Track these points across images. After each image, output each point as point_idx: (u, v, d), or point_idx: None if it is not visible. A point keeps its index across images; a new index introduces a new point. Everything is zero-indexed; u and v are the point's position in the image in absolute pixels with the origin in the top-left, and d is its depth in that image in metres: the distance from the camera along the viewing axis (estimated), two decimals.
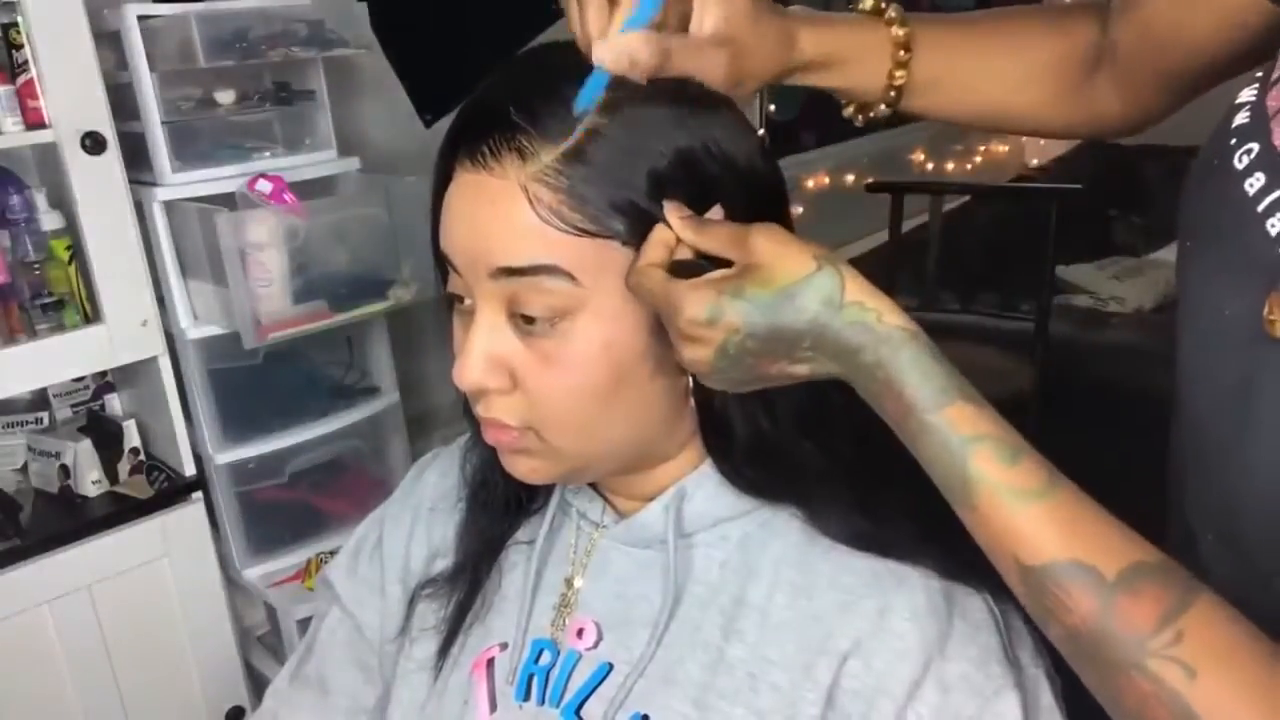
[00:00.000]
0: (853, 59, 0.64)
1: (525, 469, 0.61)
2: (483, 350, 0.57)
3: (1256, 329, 0.45)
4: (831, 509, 0.60)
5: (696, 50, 0.53)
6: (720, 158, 0.56)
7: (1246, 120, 0.49)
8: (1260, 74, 0.50)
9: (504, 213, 0.55)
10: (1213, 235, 0.51)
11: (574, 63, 0.53)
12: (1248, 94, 0.49)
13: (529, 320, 0.56)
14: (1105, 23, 0.67)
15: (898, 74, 0.64)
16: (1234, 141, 0.49)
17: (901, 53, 0.64)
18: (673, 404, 0.61)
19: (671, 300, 0.51)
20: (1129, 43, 0.65)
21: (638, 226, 0.55)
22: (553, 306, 0.55)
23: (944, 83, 0.67)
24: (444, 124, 0.61)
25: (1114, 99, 0.68)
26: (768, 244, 0.50)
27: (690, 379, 0.60)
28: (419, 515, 0.76)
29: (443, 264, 0.60)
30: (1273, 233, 0.44)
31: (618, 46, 0.49)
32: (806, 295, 0.48)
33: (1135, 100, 0.67)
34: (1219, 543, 0.52)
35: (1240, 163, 0.47)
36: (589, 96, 0.51)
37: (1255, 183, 0.46)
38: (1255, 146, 0.47)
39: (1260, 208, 0.45)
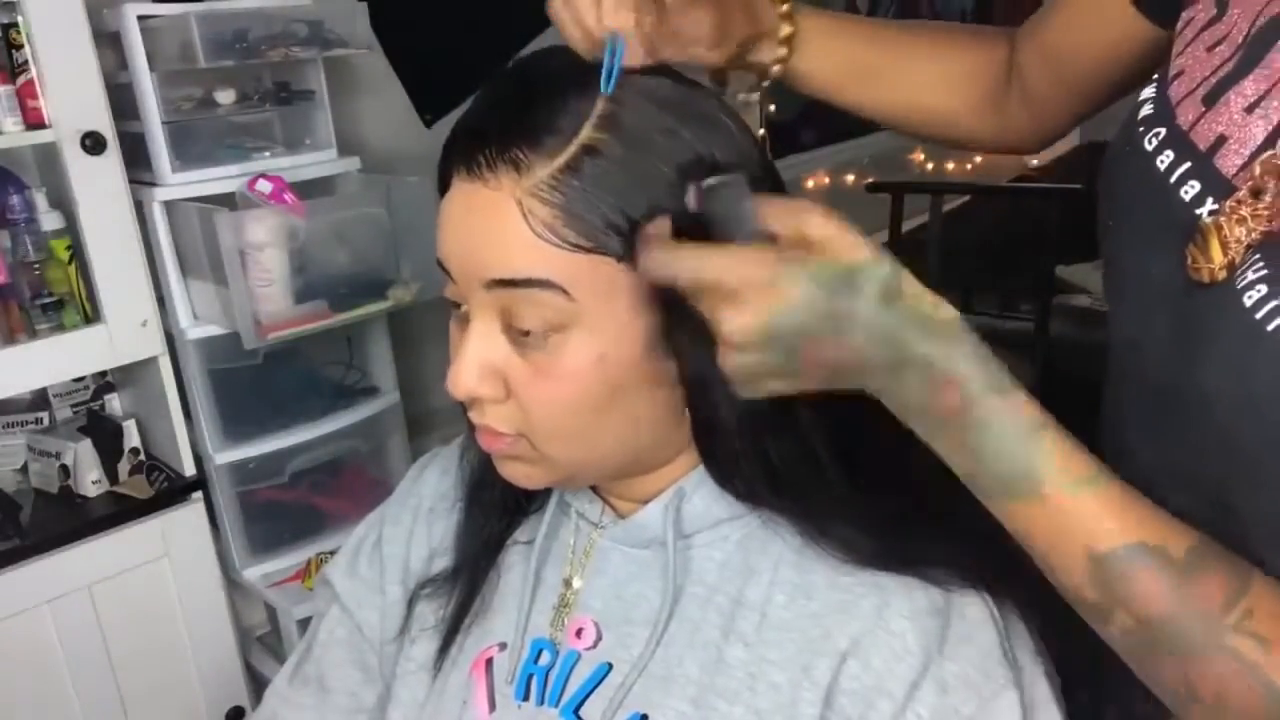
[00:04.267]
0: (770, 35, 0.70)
1: (519, 474, 0.62)
2: (476, 358, 0.57)
3: (1182, 280, 0.50)
4: (829, 527, 0.59)
5: (686, 8, 0.56)
6: (721, 170, 0.55)
7: (1151, 111, 0.55)
8: (1156, 76, 0.57)
9: (498, 225, 0.54)
10: (1133, 209, 0.56)
11: (570, 70, 0.55)
12: (1148, 92, 0.57)
13: (523, 332, 0.56)
14: (1014, 45, 0.73)
15: (779, 49, 0.70)
16: (1142, 129, 0.55)
17: (784, 28, 0.69)
18: (668, 415, 0.60)
19: (722, 264, 0.48)
20: (1034, 64, 0.71)
21: (634, 244, 0.53)
22: (546, 320, 0.55)
23: (858, 72, 0.73)
24: (444, 124, 0.62)
25: (1023, 115, 0.73)
26: (828, 223, 0.48)
27: (684, 391, 0.58)
28: (418, 515, 0.76)
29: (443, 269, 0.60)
30: (1186, 198, 0.51)
31: (622, 15, 0.53)
32: (867, 279, 0.47)
33: (1040, 115, 0.73)
34: (1189, 496, 0.52)
35: (1150, 144, 0.54)
36: (609, 78, 0.53)
37: (1165, 159, 0.53)
38: (1162, 130, 0.54)
39: (1172, 179, 0.52)
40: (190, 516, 1.62)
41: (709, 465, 0.62)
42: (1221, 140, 0.50)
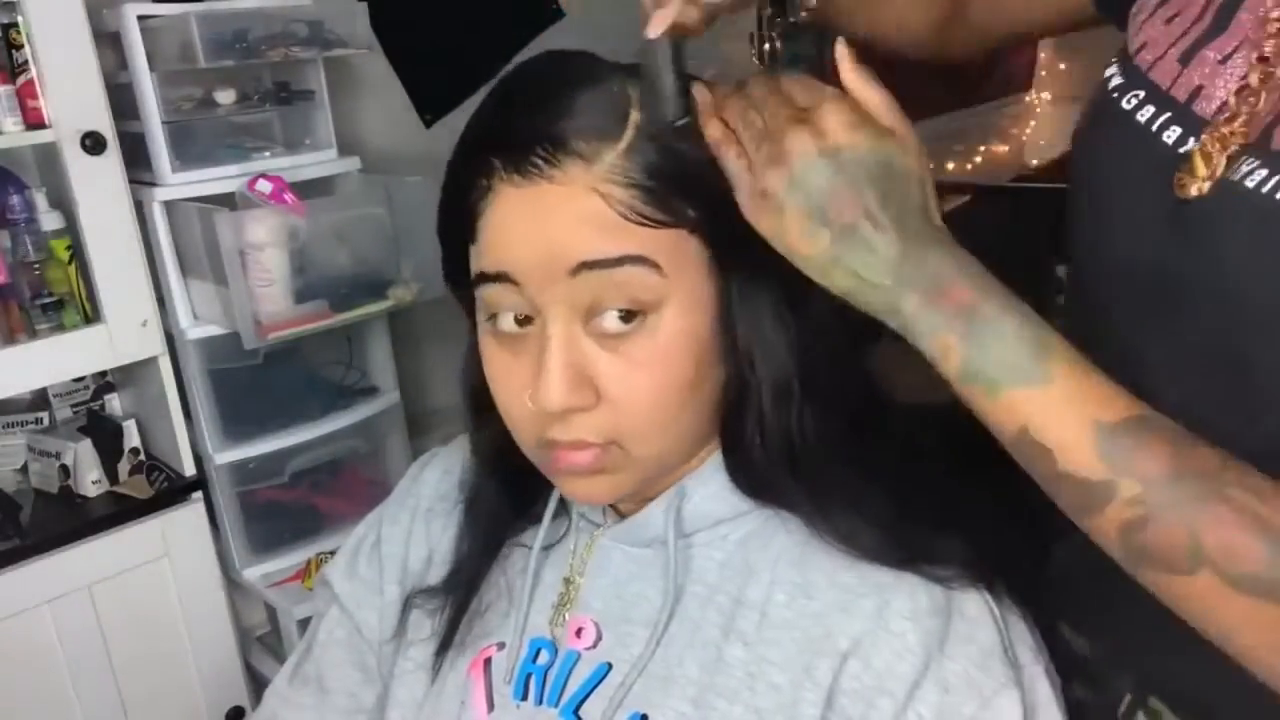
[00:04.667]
0: None
1: (598, 490, 0.60)
2: (564, 365, 0.55)
3: (1172, 202, 0.57)
4: (834, 515, 0.59)
5: None
6: None
7: (1122, 80, 0.63)
8: (1117, 56, 0.65)
9: (579, 214, 0.54)
10: (1117, 163, 0.62)
11: (584, 68, 0.58)
12: (1111, 69, 0.65)
13: (607, 321, 0.55)
14: None
15: None
16: (1116, 95, 0.63)
17: None
18: (717, 396, 0.61)
19: (816, 84, 0.53)
20: (980, 4, 0.84)
21: (708, 211, 0.56)
22: (639, 300, 0.55)
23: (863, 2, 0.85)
24: (444, 124, 0.61)
25: (965, 35, 0.86)
26: (901, 119, 0.54)
27: (729, 365, 0.60)
28: (416, 515, 0.76)
29: (468, 288, 0.59)
30: (1169, 142, 0.58)
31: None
32: (919, 168, 0.53)
33: (979, 39, 0.86)
34: (1198, 382, 0.57)
35: (1129, 104, 0.62)
36: (677, 108, 0.56)
37: (1146, 113, 0.60)
38: (1140, 91, 0.62)
39: (1154, 128, 0.59)
40: (190, 516, 1.62)
41: (732, 446, 0.62)
42: (1199, 89, 0.58)
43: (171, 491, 1.61)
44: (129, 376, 1.68)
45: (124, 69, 1.53)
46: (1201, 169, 0.55)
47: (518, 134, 0.56)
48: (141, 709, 1.60)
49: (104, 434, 1.63)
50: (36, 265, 1.47)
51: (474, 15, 2.14)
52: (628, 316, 0.55)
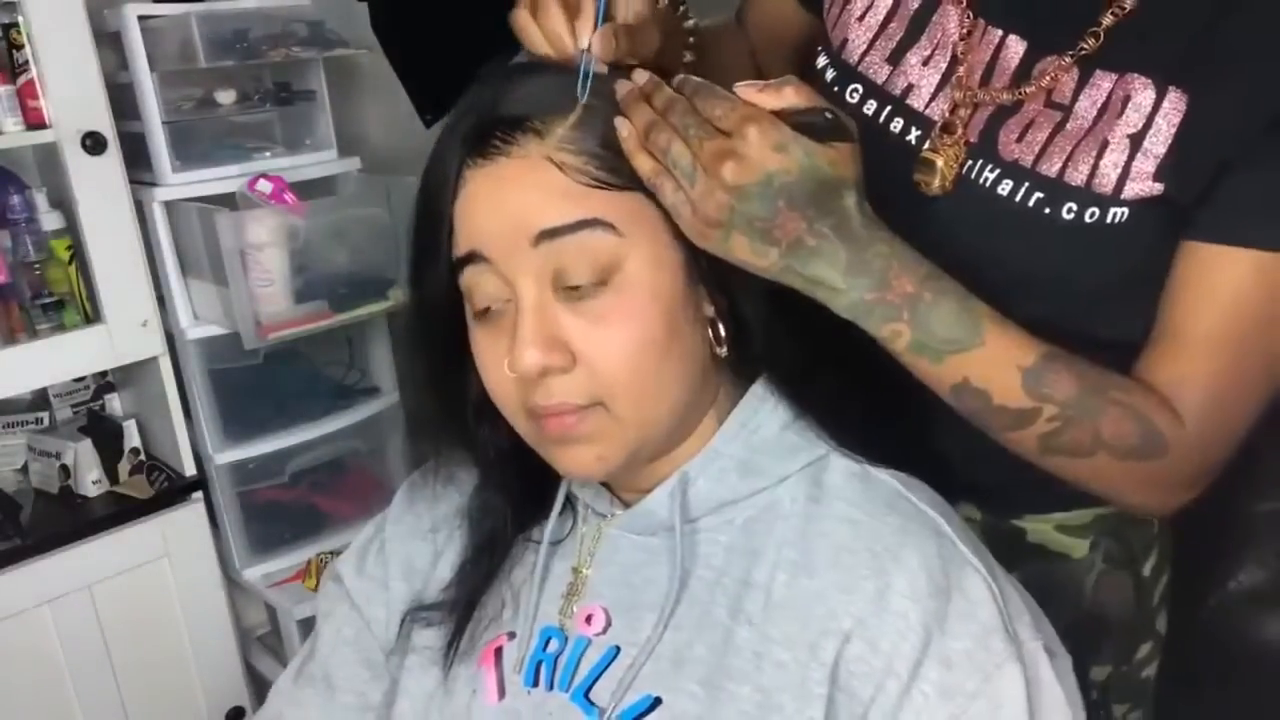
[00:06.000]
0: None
1: (588, 458, 0.61)
2: (536, 329, 0.58)
3: (910, 199, 0.70)
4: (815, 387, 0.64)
5: (640, 29, 0.64)
6: None
7: (836, 74, 0.77)
8: (821, 48, 0.79)
9: (535, 184, 0.58)
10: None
11: (533, 64, 0.63)
12: (822, 61, 0.79)
13: (574, 288, 0.57)
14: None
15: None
16: (837, 89, 0.76)
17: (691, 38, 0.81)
18: (707, 358, 0.63)
19: (745, 116, 0.55)
20: (753, 32, 0.96)
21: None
22: (599, 264, 0.57)
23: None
24: (444, 125, 0.63)
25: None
26: (819, 107, 0.58)
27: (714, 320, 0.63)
28: (418, 529, 0.76)
29: (446, 276, 0.61)
30: (895, 131, 0.73)
31: (602, 40, 0.60)
32: (849, 173, 0.57)
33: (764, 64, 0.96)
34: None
35: (853, 98, 0.75)
36: (584, 86, 0.59)
37: (870, 107, 0.74)
38: (859, 86, 0.75)
39: (880, 119, 0.74)
40: (190, 516, 1.62)
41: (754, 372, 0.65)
42: (910, 88, 0.73)
43: (172, 491, 1.62)
44: (129, 376, 1.68)
45: (124, 69, 1.53)
46: (939, 176, 0.70)
47: (477, 121, 0.60)
48: (141, 709, 1.60)
49: (104, 434, 1.63)
50: (37, 265, 1.47)
51: (473, 15, 2.13)
52: (594, 279, 0.57)
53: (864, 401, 0.65)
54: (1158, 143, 0.65)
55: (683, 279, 0.60)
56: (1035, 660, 0.58)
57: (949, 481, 0.67)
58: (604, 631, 0.65)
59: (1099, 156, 0.66)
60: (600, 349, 0.58)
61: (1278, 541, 0.93)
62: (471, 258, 0.60)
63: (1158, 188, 0.65)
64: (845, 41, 0.76)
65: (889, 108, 0.73)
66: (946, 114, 0.70)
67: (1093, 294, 0.70)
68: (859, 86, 0.75)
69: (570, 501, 0.70)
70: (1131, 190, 0.65)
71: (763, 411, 0.65)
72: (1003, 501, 0.81)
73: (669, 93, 0.58)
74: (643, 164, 0.58)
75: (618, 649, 0.63)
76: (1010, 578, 0.63)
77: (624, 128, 0.58)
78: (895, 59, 0.74)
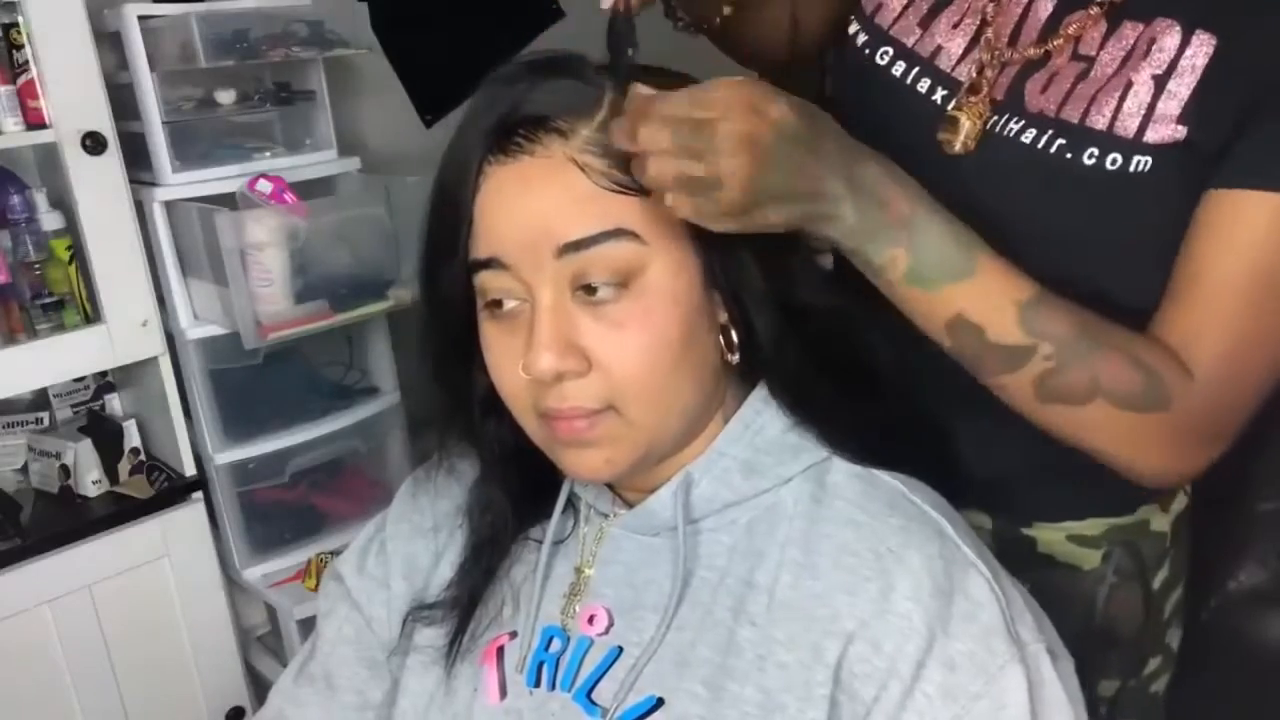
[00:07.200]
0: None
1: (598, 461, 0.61)
2: (553, 333, 0.57)
3: (934, 158, 0.69)
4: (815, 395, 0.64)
5: None
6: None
7: (867, 38, 0.77)
8: (854, 15, 0.79)
9: (558, 188, 0.57)
10: (881, 112, 0.74)
11: (561, 58, 0.61)
12: (854, 27, 0.79)
13: (592, 291, 0.57)
14: None
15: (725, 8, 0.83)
16: (868, 51, 0.77)
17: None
18: (717, 364, 0.63)
19: (726, 91, 0.55)
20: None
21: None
22: (620, 271, 0.57)
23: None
24: (444, 124, 0.63)
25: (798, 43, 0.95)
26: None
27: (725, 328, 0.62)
28: (420, 528, 0.76)
29: (461, 275, 0.62)
30: (922, 91, 0.74)
31: None
32: (822, 117, 0.58)
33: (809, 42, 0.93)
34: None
35: (883, 60, 0.76)
36: (616, 46, 0.61)
37: (899, 68, 0.75)
38: (889, 49, 0.76)
39: (908, 80, 0.74)
40: (190, 516, 1.62)
41: (756, 378, 0.65)
42: (939, 49, 0.74)
43: (171, 491, 1.62)
44: (129, 376, 1.68)
45: (124, 69, 1.53)
46: (962, 133, 0.69)
47: (501, 117, 0.59)
48: (141, 709, 1.60)
49: (104, 434, 1.63)
50: (37, 265, 1.47)
51: (474, 15, 2.14)
52: (614, 285, 0.57)
53: (870, 408, 0.64)
54: (1182, 85, 0.63)
55: (700, 285, 0.60)
56: (1038, 662, 0.58)
57: (957, 489, 0.66)
58: (606, 632, 0.65)
59: (1122, 99, 0.65)
60: (617, 354, 0.58)
61: (1278, 541, 0.93)
62: (491, 263, 0.59)
63: (1181, 131, 0.63)
64: (880, 7, 0.77)
65: (916, 68, 0.74)
66: (974, 75, 0.71)
67: (1113, 252, 0.68)
68: (889, 49, 0.75)
69: (572, 501, 0.70)
70: (1154, 134, 0.64)
71: (766, 413, 0.65)
72: (1014, 506, 0.80)
73: (649, 123, 0.56)
74: (654, 180, 0.56)
75: (620, 649, 0.63)
76: (1013, 579, 0.63)
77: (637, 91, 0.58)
78: (926, 23, 0.75)
